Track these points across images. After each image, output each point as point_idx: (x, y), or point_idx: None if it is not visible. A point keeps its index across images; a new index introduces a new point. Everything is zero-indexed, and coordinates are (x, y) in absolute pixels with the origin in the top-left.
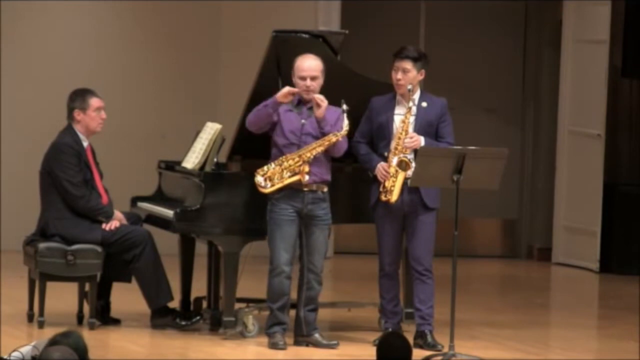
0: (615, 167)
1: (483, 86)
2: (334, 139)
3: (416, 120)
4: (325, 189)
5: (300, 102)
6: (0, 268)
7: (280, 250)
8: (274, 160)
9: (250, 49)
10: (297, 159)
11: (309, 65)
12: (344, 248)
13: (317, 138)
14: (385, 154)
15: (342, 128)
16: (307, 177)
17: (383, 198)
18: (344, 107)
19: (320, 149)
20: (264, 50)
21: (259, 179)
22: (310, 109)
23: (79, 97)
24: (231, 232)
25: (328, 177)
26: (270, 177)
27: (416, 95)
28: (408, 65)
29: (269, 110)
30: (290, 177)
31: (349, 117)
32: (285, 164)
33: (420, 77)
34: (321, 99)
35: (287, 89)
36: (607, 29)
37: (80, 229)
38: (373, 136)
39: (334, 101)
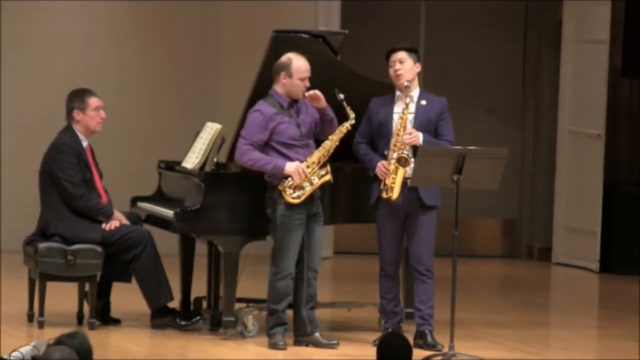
0: (615, 167)
1: (483, 86)
2: (347, 128)
3: (415, 117)
4: None
5: (289, 105)
6: (0, 268)
7: (290, 254)
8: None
9: (250, 49)
10: (316, 162)
11: (307, 67)
12: (344, 248)
13: (312, 135)
14: (385, 152)
15: (348, 116)
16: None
17: (384, 196)
18: (341, 95)
19: (335, 145)
20: (264, 51)
21: (289, 192)
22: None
23: (77, 97)
24: (231, 232)
25: None
26: (299, 186)
27: (414, 92)
28: (403, 55)
29: (268, 171)
30: (320, 178)
31: (348, 104)
32: (308, 169)
33: (417, 70)
34: (315, 93)
35: (302, 169)
36: (607, 29)
37: (80, 229)
38: (373, 136)
39: (331, 100)
